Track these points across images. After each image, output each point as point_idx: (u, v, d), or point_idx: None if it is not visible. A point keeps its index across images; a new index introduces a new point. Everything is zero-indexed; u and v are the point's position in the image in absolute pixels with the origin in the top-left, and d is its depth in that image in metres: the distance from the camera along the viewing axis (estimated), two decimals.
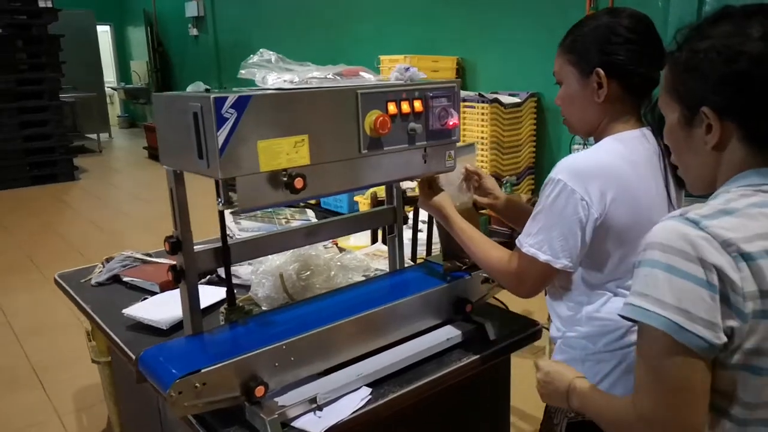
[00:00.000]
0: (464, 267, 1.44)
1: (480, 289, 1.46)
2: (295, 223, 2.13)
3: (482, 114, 4.24)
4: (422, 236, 2.58)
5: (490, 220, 3.86)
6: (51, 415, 2.56)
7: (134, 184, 7.52)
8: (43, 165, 7.27)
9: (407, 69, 1.31)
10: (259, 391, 1.09)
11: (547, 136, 4.59)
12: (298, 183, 1.08)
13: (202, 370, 1.05)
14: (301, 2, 6.98)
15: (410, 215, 2.52)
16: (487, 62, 4.94)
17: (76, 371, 2.81)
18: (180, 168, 1.16)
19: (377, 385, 1.23)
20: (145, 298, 1.69)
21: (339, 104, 1.16)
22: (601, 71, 1.17)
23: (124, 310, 1.58)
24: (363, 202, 4.11)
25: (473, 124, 4.32)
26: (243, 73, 1.25)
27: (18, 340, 3.23)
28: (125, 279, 1.84)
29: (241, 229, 2.04)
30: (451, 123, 1.31)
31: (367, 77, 1.28)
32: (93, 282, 1.86)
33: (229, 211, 2.14)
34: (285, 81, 1.20)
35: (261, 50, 1.28)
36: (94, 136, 9.56)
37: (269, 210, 2.18)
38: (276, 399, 1.13)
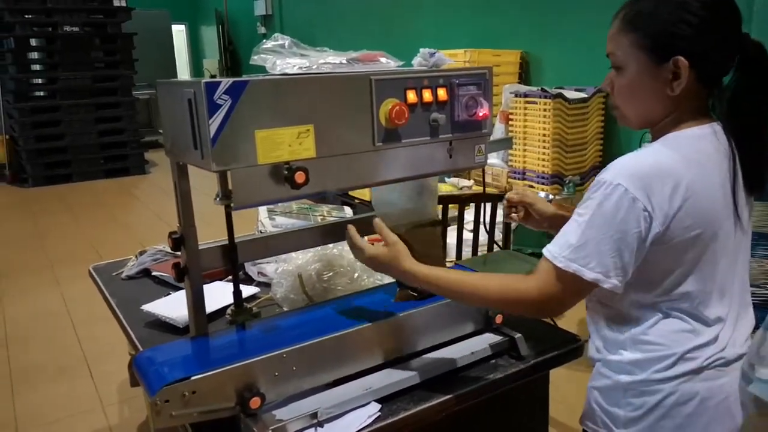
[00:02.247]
0: (417, 296, 1.22)
1: None
2: (330, 220, 2.04)
3: (544, 110, 4.03)
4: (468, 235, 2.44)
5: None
6: (96, 404, 2.60)
7: (200, 179, 7.70)
8: (116, 159, 7.57)
9: (432, 54, 1.19)
10: (255, 402, 1.01)
11: (616, 134, 4.31)
12: (299, 177, 0.98)
13: (192, 378, 0.98)
14: (365, 0, 6.93)
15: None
16: (553, 56, 4.71)
17: (124, 362, 2.85)
18: (181, 160, 1.09)
19: (388, 400, 1.12)
20: (169, 294, 1.65)
21: (350, 92, 1.06)
22: (684, 61, 0.96)
23: (143, 306, 1.54)
24: None
25: (534, 120, 4.11)
26: (255, 59, 1.16)
27: (74, 329, 3.33)
28: (154, 273, 1.81)
29: (275, 225, 1.98)
30: (480, 114, 1.18)
31: (387, 63, 1.16)
32: (124, 275, 1.85)
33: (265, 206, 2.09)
34: (295, 67, 1.11)
35: (275, 35, 1.20)
36: None
37: (305, 206, 2.10)
38: (274, 412, 1.04)
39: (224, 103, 0.93)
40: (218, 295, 1.52)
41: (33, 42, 7.25)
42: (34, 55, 7.33)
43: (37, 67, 7.36)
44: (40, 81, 7.32)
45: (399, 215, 1.24)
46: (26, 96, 7.15)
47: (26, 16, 7.09)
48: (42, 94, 7.35)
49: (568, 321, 3.09)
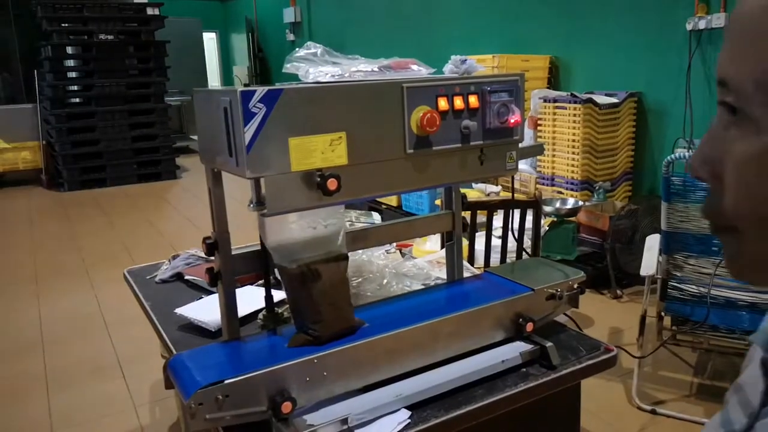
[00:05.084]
0: (314, 341, 1.11)
1: (545, 306, 1.31)
2: (358, 226, 2.05)
3: (574, 115, 3.99)
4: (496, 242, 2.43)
5: (578, 228, 3.61)
6: (128, 405, 2.65)
7: (229, 184, 7.83)
8: (149, 164, 7.72)
9: (463, 61, 1.19)
10: (286, 407, 1.02)
11: (648, 140, 4.25)
12: (331, 184, 0.99)
13: (226, 381, 0.99)
14: (392, 5, 6.95)
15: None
16: (583, 61, 4.66)
17: (156, 363, 2.90)
18: (216, 166, 1.11)
19: (418, 408, 1.11)
20: (201, 297, 1.68)
21: (382, 99, 1.06)
22: None
23: (176, 309, 1.57)
24: None
25: (564, 126, 4.07)
26: (288, 67, 1.18)
27: (107, 330, 3.40)
28: (186, 277, 1.84)
29: None
30: (512, 120, 1.18)
31: (418, 70, 1.17)
32: (157, 279, 1.88)
33: None
34: (327, 75, 1.12)
35: (308, 43, 1.21)
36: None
37: None
38: (305, 417, 1.05)
39: (259, 111, 0.95)
40: (249, 299, 1.54)
41: (69, 50, 7.45)
42: (71, 62, 7.54)
43: (73, 74, 7.56)
44: (75, 88, 7.52)
45: (294, 248, 1.13)
46: (62, 102, 7.34)
47: (63, 25, 7.29)
48: (78, 100, 7.54)
49: (599, 330, 3.05)
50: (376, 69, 1.13)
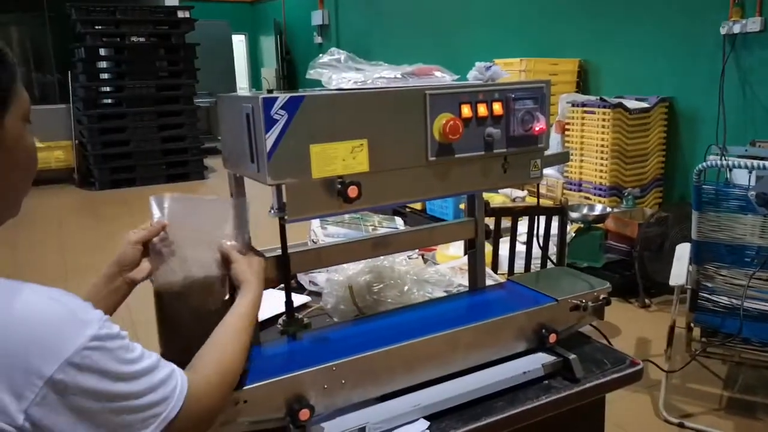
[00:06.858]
0: None
1: (569, 317, 1.29)
2: (381, 231, 2.04)
3: (603, 120, 3.93)
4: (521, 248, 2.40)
5: (606, 235, 3.55)
6: None
7: (254, 184, 7.90)
8: (177, 164, 7.83)
9: (488, 68, 1.17)
10: (304, 414, 1.01)
11: (679, 146, 4.17)
12: (352, 192, 0.99)
13: (245, 387, 0.99)
14: (420, 9, 6.94)
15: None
16: (613, 65, 4.59)
17: None
18: (238, 172, 1.12)
19: (437, 418, 1.10)
20: None
21: (404, 106, 1.05)
22: None
23: None
24: None
25: (593, 131, 4.02)
26: (311, 73, 1.18)
27: (134, 330, 3.44)
28: None
29: (327, 234, 1.99)
30: (536, 128, 1.16)
31: (441, 77, 1.16)
32: None
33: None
34: (350, 81, 1.12)
35: (331, 49, 1.21)
36: None
37: (357, 216, 2.11)
38: (322, 425, 1.05)
39: (281, 118, 0.95)
40: (270, 303, 1.54)
41: (102, 52, 7.60)
42: (103, 64, 7.69)
43: (105, 75, 7.71)
44: (107, 89, 7.67)
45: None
46: (95, 103, 7.50)
47: (96, 27, 7.45)
48: (109, 101, 7.69)
49: (626, 339, 2.99)
50: (399, 76, 1.12)
